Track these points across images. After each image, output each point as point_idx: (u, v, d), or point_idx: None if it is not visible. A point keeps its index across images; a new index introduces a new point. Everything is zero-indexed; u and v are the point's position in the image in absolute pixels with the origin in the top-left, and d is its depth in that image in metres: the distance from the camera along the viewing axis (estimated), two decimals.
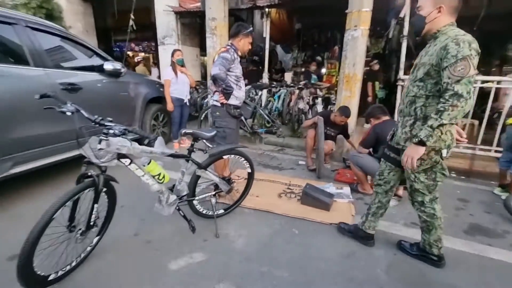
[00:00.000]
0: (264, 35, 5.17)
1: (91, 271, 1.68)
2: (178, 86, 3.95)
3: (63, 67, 2.82)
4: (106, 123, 1.42)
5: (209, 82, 2.47)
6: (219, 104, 2.46)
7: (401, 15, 4.10)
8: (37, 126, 2.45)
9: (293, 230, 2.20)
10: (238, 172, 2.56)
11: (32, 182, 2.77)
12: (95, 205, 1.57)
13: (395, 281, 1.70)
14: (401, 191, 2.89)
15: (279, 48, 8.44)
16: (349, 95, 3.93)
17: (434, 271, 1.80)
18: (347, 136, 3.74)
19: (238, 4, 5.42)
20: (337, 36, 8.49)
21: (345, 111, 3.44)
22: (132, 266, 1.74)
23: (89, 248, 1.76)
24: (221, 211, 2.32)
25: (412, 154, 1.50)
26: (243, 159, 2.26)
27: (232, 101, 2.49)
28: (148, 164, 1.72)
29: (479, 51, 1.37)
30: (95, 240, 1.79)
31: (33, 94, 2.09)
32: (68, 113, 1.38)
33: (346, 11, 3.78)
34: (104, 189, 1.66)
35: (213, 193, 2.20)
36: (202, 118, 4.50)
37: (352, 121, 3.95)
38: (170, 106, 3.95)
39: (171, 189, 1.95)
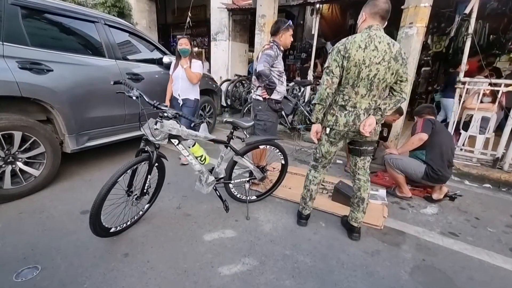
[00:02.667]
0: (313, 32, 5.17)
1: (141, 231, 2.00)
2: (174, 83, 3.22)
3: (129, 59, 3.27)
4: (162, 107, 1.69)
5: (253, 77, 2.64)
6: (261, 99, 2.62)
7: (467, 11, 3.75)
8: (107, 109, 2.91)
9: (320, 223, 2.27)
10: (274, 165, 2.70)
11: (100, 155, 3.30)
12: (149, 176, 1.87)
13: (418, 284, 1.68)
14: (436, 195, 2.74)
15: (329, 45, 8.28)
16: None
17: (466, 283, 1.72)
18: (385, 139, 3.60)
19: (288, 0, 5.49)
20: (394, 34, 7.98)
21: (398, 109, 3.32)
22: (173, 232, 2.02)
23: (141, 213, 2.09)
24: (254, 197, 2.50)
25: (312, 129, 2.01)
26: (278, 151, 2.40)
27: (274, 95, 2.62)
28: (193, 146, 1.97)
29: (340, 49, 1.71)
30: (146, 206, 2.12)
31: (106, 81, 2.54)
32: (134, 98, 1.68)
33: (402, 7, 3.61)
34: (156, 164, 1.96)
35: (248, 179, 2.38)
36: (245, 111, 4.73)
37: (399, 123, 3.78)
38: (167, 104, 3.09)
39: (211, 171, 2.19)
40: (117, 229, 1.88)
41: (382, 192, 2.87)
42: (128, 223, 1.98)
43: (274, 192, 2.63)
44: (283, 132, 4.72)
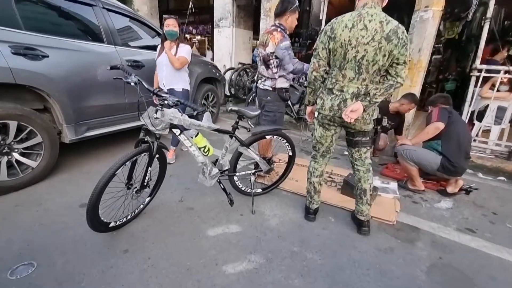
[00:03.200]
0: (320, 18, 4.94)
1: (142, 225, 1.91)
2: (158, 70, 2.82)
3: (130, 46, 3.12)
4: (162, 95, 1.57)
5: (261, 67, 2.49)
6: (270, 88, 2.48)
7: None
8: (107, 97, 2.79)
9: (329, 217, 2.17)
10: (281, 156, 2.58)
11: (100, 146, 3.21)
12: (149, 168, 1.76)
13: (436, 284, 1.57)
14: (451, 188, 2.61)
15: None
16: (409, 85, 3.58)
17: (487, 283, 1.61)
18: (399, 131, 3.44)
19: None
20: (405, 20, 7.66)
21: (413, 97, 3.16)
22: (175, 226, 1.93)
23: (141, 206, 2.00)
24: (259, 190, 2.39)
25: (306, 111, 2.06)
26: (285, 141, 2.27)
27: (283, 84, 2.48)
28: (196, 136, 1.85)
29: (327, 30, 1.64)
30: (146, 200, 2.02)
31: (105, 68, 2.41)
32: (132, 84, 1.56)
33: None
34: (157, 156, 1.85)
35: (253, 171, 2.27)
36: (249, 101, 4.59)
37: (411, 113, 3.62)
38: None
39: (214, 162, 2.07)
40: (117, 224, 1.80)
41: (394, 185, 2.75)
42: (129, 217, 1.90)
43: (280, 185, 2.52)
44: (289, 122, 4.58)
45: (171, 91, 2.70)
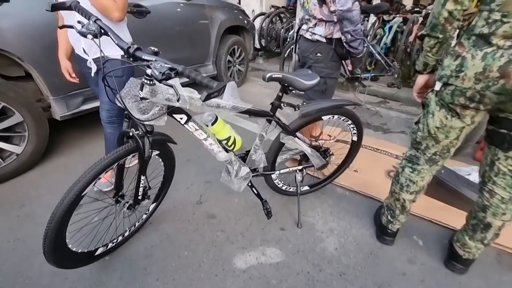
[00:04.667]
0: None
1: (145, 245, 1.37)
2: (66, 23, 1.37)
3: None
4: (144, 56, 0.83)
5: (310, 3, 1.61)
6: (324, 40, 1.63)
7: None
8: None
9: (413, 237, 1.46)
10: (329, 130, 1.82)
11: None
12: (142, 178, 1.13)
13: None
14: None
15: None
16: None
17: None
18: None
19: None
20: None
21: None
22: (190, 249, 1.36)
23: (144, 216, 1.44)
24: (306, 187, 1.71)
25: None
26: (350, 122, 1.49)
27: (339, 33, 1.62)
28: (214, 123, 1.15)
29: None
30: (151, 207, 1.46)
31: None
32: (89, 37, 0.83)
33: None
34: (156, 153, 1.21)
35: (300, 167, 1.56)
36: (286, 55, 3.66)
37: None
38: (64, 71, 1.59)
39: (243, 157, 1.40)
40: (108, 248, 1.26)
41: None
42: (126, 234, 1.36)
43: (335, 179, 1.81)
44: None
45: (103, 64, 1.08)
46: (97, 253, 1.21)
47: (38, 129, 1.88)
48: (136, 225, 1.41)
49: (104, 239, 1.25)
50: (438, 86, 0.99)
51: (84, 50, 1.35)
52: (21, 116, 1.79)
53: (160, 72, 0.76)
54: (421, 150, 1.14)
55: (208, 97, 0.72)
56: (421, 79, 1.12)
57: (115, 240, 1.30)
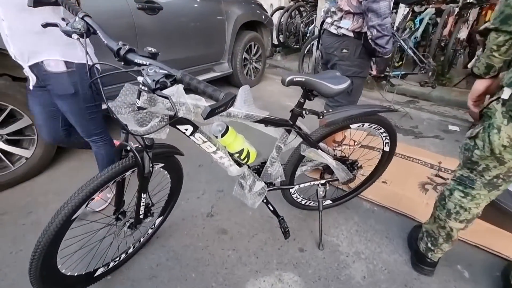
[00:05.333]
0: None
1: (150, 264, 1.26)
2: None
3: None
4: (137, 59, 0.69)
5: None
6: (351, 34, 1.42)
7: None
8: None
9: (457, 267, 1.24)
10: (354, 134, 1.62)
11: None
12: (143, 196, 1.00)
13: None
14: None
15: None
16: None
17: None
18: None
19: None
20: None
21: None
22: (198, 271, 1.23)
23: (150, 231, 1.32)
24: (328, 201, 1.53)
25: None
26: (382, 130, 1.28)
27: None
28: (224, 134, 0.99)
29: None
30: (157, 221, 1.33)
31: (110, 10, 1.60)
32: (74, 36, 0.70)
33: None
34: (160, 165, 1.08)
35: (322, 181, 1.38)
36: (305, 52, 3.43)
37: None
38: None
39: (258, 171, 1.24)
40: (109, 267, 1.16)
41: None
42: (130, 250, 1.25)
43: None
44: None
45: (44, 73, 1.06)
46: (97, 273, 1.11)
47: None
48: (141, 241, 1.29)
49: (104, 259, 1.15)
50: (507, 93, 0.77)
51: (15, 56, 1.04)
52: (30, 119, 1.73)
53: (154, 80, 0.61)
54: (478, 172, 0.92)
55: (211, 114, 0.56)
56: (480, 85, 0.90)
57: (117, 259, 1.19)
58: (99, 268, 1.12)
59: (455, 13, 3.25)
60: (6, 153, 1.72)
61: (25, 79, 1.82)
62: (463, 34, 3.14)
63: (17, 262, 1.26)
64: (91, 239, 1.10)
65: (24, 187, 1.76)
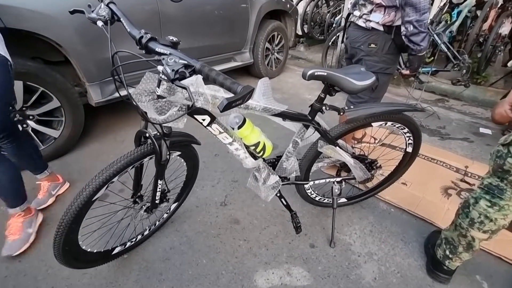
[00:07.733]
0: None
1: (164, 247, 1.30)
2: None
3: None
4: (158, 48, 0.69)
5: None
6: (381, 28, 1.35)
7: None
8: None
9: (476, 278, 1.19)
10: (374, 131, 1.57)
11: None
12: (159, 182, 1.03)
13: None
14: None
15: None
16: None
17: None
18: None
19: None
20: None
21: None
22: (209, 257, 1.26)
23: (165, 216, 1.37)
24: (343, 199, 1.50)
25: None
26: (406, 129, 1.23)
27: (399, 21, 1.33)
28: (241, 126, 0.99)
29: None
30: (172, 206, 1.38)
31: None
32: (99, 23, 0.72)
33: None
34: (177, 153, 1.10)
35: (338, 179, 1.35)
36: (330, 44, 3.32)
37: None
38: None
39: (273, 164, 1.23)
40: (126, 247, 1.21)
41: None
42: (146, 232, 1.30)
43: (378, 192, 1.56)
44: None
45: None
46: (114, 251, 1.17)
47: (74, 115, 1.91)
48: (157, 224, 1.34)
49: (122, 239, 1.20)
50: None
51: None
52: (59, 102, 1.82)
53: (173, 70, 0.61)
54: (509, 181, 0.86)
55: (228, 106, 0.55)
56: None
57: (134, 239, 1.25)
58: (117, 247, 1.18)
59: (498, 6, 2.99)
60: (37, 133, 1.82)
61: (57, 63, 1.92)
62: (505, 29, 2.88)
63: (41, 236, 1.35)
64: (110, 219, 1.15)
65: (50, 166, 1.86)
